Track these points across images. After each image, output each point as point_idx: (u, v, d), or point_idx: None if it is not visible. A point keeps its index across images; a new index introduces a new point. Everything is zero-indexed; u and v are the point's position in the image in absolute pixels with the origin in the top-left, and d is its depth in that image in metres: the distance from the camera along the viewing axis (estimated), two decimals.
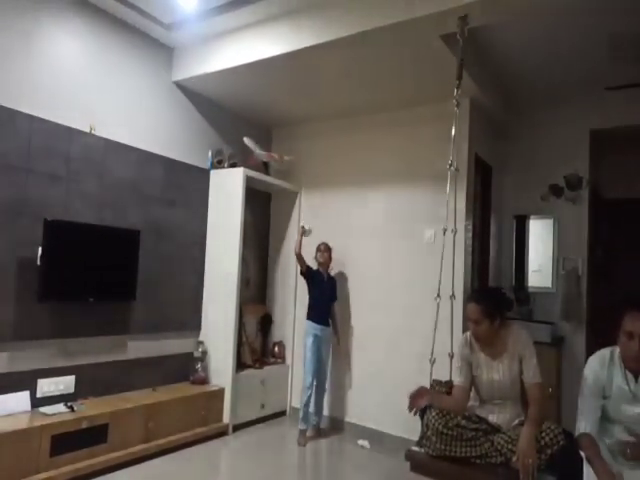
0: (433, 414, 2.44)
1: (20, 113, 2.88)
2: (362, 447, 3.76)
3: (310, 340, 3.84)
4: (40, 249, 2.89)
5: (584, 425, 2.04)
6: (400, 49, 3.07)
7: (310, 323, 3.89)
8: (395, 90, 3.72)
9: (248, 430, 3.99)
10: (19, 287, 2.88)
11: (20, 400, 2.86)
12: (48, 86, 3.03)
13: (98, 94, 3.32)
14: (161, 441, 3.32)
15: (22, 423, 2.69)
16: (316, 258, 4.01)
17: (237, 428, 3.91)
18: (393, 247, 3.98)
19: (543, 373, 2.33)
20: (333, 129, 4.46)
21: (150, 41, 3.67)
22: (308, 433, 3.86)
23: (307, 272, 3.91)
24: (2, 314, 2.81)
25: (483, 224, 4.24)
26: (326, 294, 3.97)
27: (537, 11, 2.74)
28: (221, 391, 3.83)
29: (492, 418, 2.39)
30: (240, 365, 4.06)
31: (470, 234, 3.77)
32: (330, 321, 4.00)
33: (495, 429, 2.35)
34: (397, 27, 2.77)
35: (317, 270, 4.00)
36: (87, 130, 3.22)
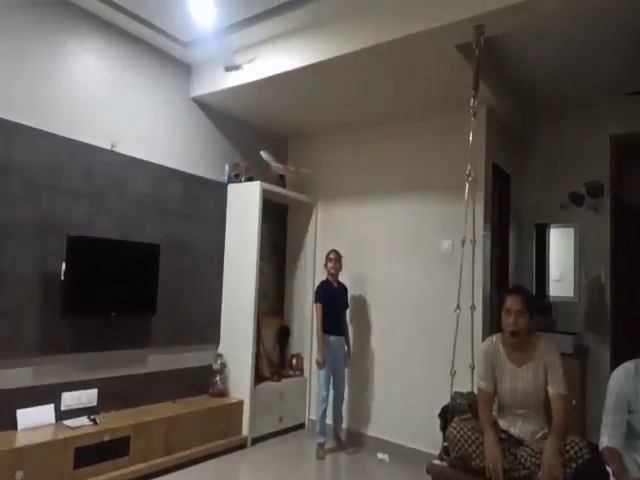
0: (454, 426, 2.42)
1: (44, 132, 2.97)
2: (382, 461, 3.72)
3: (324, 350, 3.82)
4: (64, 265, 2.96)
5: (608, 439, 1.99)
6: (416, 60, 3.09)
7: (323, 334, 3.85)
8: (411, 100, 3.74)
9: (267, 443, 3.98)
10: (43, 302, 2.94)
11: (45, 413, 2.91)
12: (70, 105, 3.12)
13: (119, 112, 3.40)
14: (181, 454, 3.33)
15: (47, 436, 2.74)
16: (326, 267, 4.00)
17: (256, 441, 3.91)
18: (410, 259, 3.96)
19: (567, 384, 2.29)
20: (349, 140, 4.49)
21: (169, 59, 3.76)
22: (327, 446, 3.83)
23: (318, 298, 3.90)
24: (28, 329, 2.87)
25: (502, 234, 4.19)
26: (337, 303, 3.95)
27: (553, 19, 2.74)
28: (240, 404, 3.84)
29: (515, 430, 2.36)
30: (258, 377, 4.07)
31: (489, 244, 3.74)
32: (343, 330, 3.98)
33: (518, 442, 2.32)
34: (412, 38, 2.79)
35: (326, 281, 3.99)
36: (108, 147, 3.31)
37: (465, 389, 2.68)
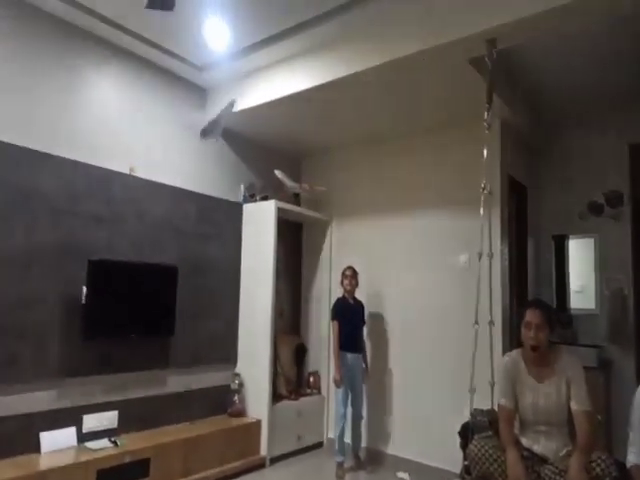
0: (475, 444, 2.38)
1: (65, 159, 3.06)
2: (402, 479, 3.66)
3: (341, 368, 3.79)
4: (85, 288, 3.02)
5: (636, 457, 1.94)
6: (429, 75, 3.11)
7: (340, 351, 3.84)
8: (425, 115, 3.76)
9: (285, 462, 3.95)
10: (65, 325, 3.00)
11: (67, 436, 2.95)
12: (90, 131, 3.22)
13: (136, 137, 3.49)
14: (201, 475, 3.33)
15: (69, 459, 2.77)
16: (342, 284, 3.99)
17: (274, 460, 3.88)
18: (427, 274, 3.94)
19: (591, 399, 2.24)
20: (362, 157, 4.52)
21: (185, 83, 3.86)
22: (346, 465, 3.79)
23: (335, 315, 3.89)
24: (50, 352, 2.93)
25: (520, 246, 4.16)
26: (354, 319, 3.93)
27: (566, 31, 2.75)
28: (258, 423, 3.83)
29: (537, 448, 2.31)
30: (276, 396, 4.06)
31: (507, 257, 3.71)
32: (361, 347, 3.95)
33: (542, 460, 2.27)
34: (424, 54, 2.82)
35: (342, 298, 3.98)
36: (127, 172, 3.39)
37: (485, 406, 2.64)
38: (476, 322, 2.65)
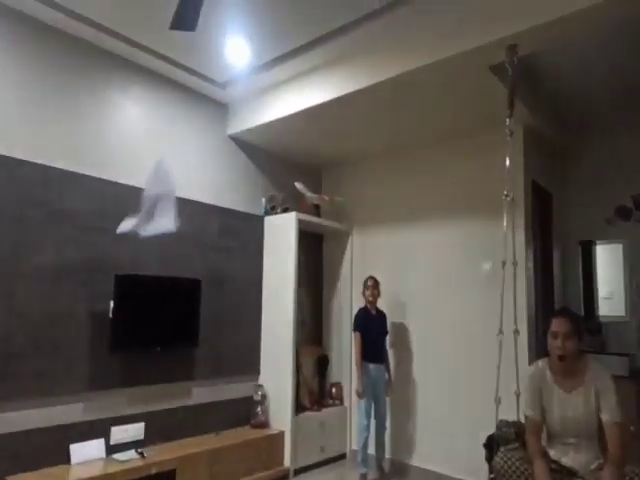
0: (501, 456, 2.34)
1: (91, 177, 3.15)
2: None
3: (363, 379, 3.79)
4: (112, 302, 3.09)
5: None
6: (449, 83, 3.11)
7: (362, 362, 3.82)
8: (446, 123, 3.76)
9: (309, 474, 3.94)
10: (93, 339, 3.08)
11: (96, 447, 3.01)
12: (115, 150, 3.31)
13: (159, 154, 3.54)
14: None
15: (98, 470, 2.83)
16: (364, 294, 3.98)
17: (298, 472, 3.88)
18: (450, 282, 3.92)
19: (622, 410, 2.18)
20: (383, 167, 4.53)
21: (206, 100, 3.94)
22: (370, 476, 3.76)
23: (357, 325, 3.89)
24: (79, 365, 3.00)
25: (545, 253, 4.10)
26: (376, 330, 3.92)
27: (587, 33, 2.72)
28: (281, 434, 3.83)
29: (566, 460, 2.26)
30: (299, 407, 4.07)
31: (531, 265, 3.66)
32: (383, 358, 3.94)
33: (571, 473, 2.22)
34: (445, 63, 2.82)
35: (364, 308, 3.97)
36: None
37: (511, 417, 2.60)
38: (500, 331, 2.62)
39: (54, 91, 3.02)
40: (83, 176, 3.11)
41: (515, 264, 2.66)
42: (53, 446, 2.84)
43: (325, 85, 3.38)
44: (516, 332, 2.63)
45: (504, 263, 2.65)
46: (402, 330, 4.18)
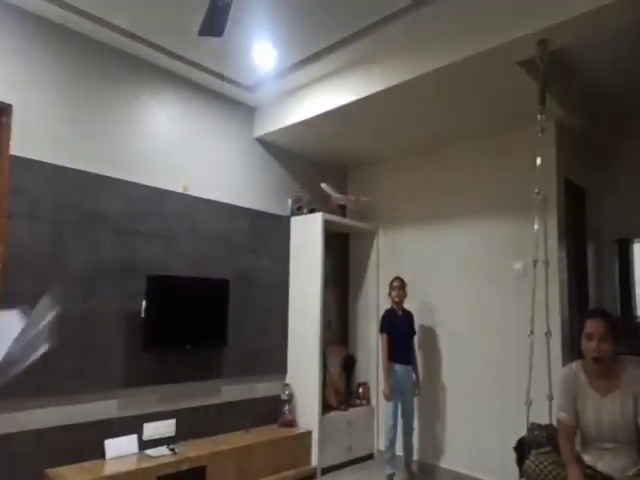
0: (533, 459, 2.31)
1: (124, 181, 3.24)
2: None
3: (390, 381, 3.76)
4: (144, 302, 3.18)
5: None
6: (478, 79, 3.05)
7: (389, 364, 3.80)
8: (474, 120, 3.70)
9: (336, 474, 3.96)
10: (127, 338, 3.16)
11: (129, 443, 3.09)
12: (146, 154, 3.39)
13: (188, 157, 3.64)
14: None
15: (132, 465, 2.91)
16: (390, 295, 3.97)
17: (325, 471, 3.90)
18: (479, 283, 3.86)
19: None
20: (409, 165, 4.50)
21: (233, 103, 4.00)
22: (397, 477, 3.75)
23: (383, 327, 3.89)
24: (113, 363, 3.09)
25: (579, 252, 3.99)
26: (403, 331, 3.90)
27: (621, 26, 2.60)
28: (308, 434, 3.86)
29: (602, 466, 2.21)
30: (326, 407, 4.09)
31: (564, 264, 3.57)
32: (411, 359, 3.91)
33: (606, 478, 2.18)
34: (473, 59, 2.77)
35: (390, 310, 3.96)
36: (180, 191, 3.54)
37: (543, 420, 2.56)
38: (531, 332, 2.58)
39: (88, 100, 3.11)
40: (115, 180, 3.20)
41: (547, 263, 2.61)
42: (89, 441, 2.94)
43: (350, 86, 3.39)
44: (548, 333, 2.59)
45: (535, 262, 2.60)
46: (430, 330, 4.15)
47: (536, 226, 2.62)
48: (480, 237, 3.91)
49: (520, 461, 2.57)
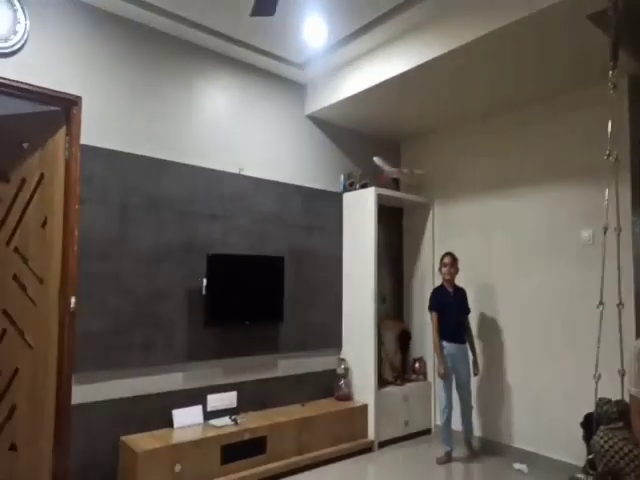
0: (602, 435, 2.23)
1: (184, 165, 3.35)
2: (519, 471, 3.52)
3: (443, 360, 3.70)
4: (204, 280, 3.30)
5: None
6: (544, 36, 2.86)
7: (442, 342, 3.75)
8: (534, 82, 3.48)
9: (393, 447, 3.99)
10: (190, 314, 3.30)
11: (195, 413, 3.25)
12: (203, 137, 3.47)
13: (243, 138, 3.70)
14: (313, 454, 3.48)
15: (198, 434, 3.06)
16: (441, 272, 3.88)
17: (382, 445, 3.94)
18: (544, 252, 3.70)
19: None
20: (466, 134, 4.33)
21: (285, 82, 3.99)
22: (456, 454, 3.73)
23: (433, 305, 3.83)
24: (178, 338, 3.25)
25: None
26: (454, 309, 3.80)
27: None
28: (364, 407, 3.90)
29: None
30: (381, 382, 4.11)
31: (638, 230, 3.36)
32: (465, 337, 3.83)
33: None
34: (540, 14, 2.60)
35: (440, 287, 3.88)
36: (236, 172, 3.61)
37: (613, 396, 2.45)
38: (601, 302, 2.44)
39: (146, 86, 3.22)
40: (176, 164, 3.31)
41: (619, 230, 2.45)
42: (158, 411, 3.12)
43: (403, 55, 3.28)
44: (620, 305, 2.44)
45: (606, 229, 2.44)
46: (491, 305, 4.04)
47: (607, 190, 2.45)
48: (545, 206, 3.72)
49: (587, 437, 2.49)
